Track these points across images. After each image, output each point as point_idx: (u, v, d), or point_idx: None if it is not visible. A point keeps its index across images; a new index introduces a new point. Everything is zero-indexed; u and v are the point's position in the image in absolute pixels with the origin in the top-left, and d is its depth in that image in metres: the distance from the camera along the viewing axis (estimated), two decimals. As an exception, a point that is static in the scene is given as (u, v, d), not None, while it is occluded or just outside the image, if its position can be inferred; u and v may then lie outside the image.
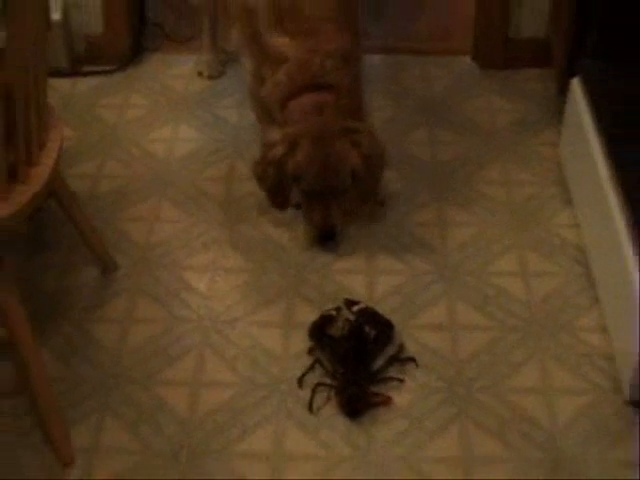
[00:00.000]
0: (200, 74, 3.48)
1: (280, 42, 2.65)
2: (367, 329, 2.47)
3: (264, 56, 2.72)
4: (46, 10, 2.26)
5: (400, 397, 2.35)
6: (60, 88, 3.35)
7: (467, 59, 3.50)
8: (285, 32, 2.65)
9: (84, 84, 3.42)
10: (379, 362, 2.42)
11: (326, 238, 2.74)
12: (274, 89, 2.69)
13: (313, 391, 2.34)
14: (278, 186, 2.71)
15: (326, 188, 2.66)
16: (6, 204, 2.01)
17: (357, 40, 2.78)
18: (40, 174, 2.11)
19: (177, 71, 3.48)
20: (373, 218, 2.85)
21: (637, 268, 2.24)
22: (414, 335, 2.50)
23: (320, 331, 2.48)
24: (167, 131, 3.21)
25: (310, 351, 2.46)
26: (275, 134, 2.68)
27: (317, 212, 2.70)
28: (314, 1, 2.67)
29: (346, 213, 2.77)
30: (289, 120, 2.67)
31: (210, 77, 3.47)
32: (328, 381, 2.37)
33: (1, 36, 1.98)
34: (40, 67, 2.12)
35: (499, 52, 3.42)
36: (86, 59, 3.46)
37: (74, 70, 3.45)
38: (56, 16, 3.30)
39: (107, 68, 3.46)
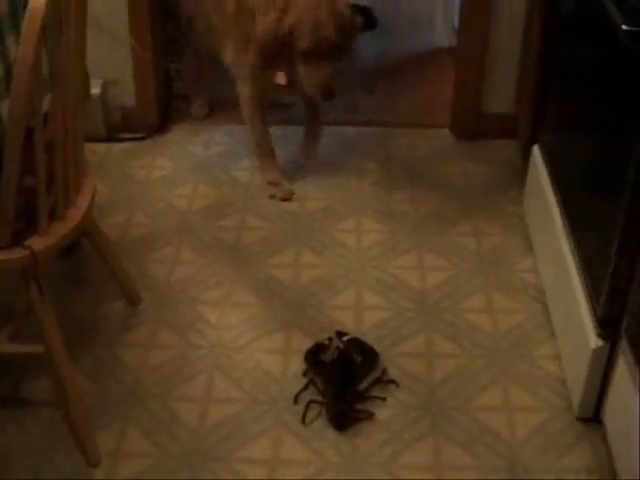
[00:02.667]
0: (190, 115, 3.61)
1: None
2: (354, 355, 2.49)
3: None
4: (85, 81, 2.33)
5: (382, 413, 2.36)
6: (98, 151, 3.39)
7: (445, 131, 3.54)
8: None
9: (118, 148, 3.46)
10: (364, 383, 2.43)
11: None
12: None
13: (306, 407, 2.36)
14: (278, 50, 2.87)
15: (319, 44, 2.80)
16: (46, 238, 2.05)
17: None
18: (76, 214, 2.16)
19: (197, 139, 3.52)
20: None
21: (586, 310, 2.26)
22: (396, 361, 2.51)
23: (314, 356, 2.50)
24: (187, 188, 3.25)
25: (305, 373, 2.47)
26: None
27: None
28: None
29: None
30: None
31: (195, 118, 3.61)
32: (320, 399, 2.38)
33: (47, 99, 2.06)
34: (78, 126, 2.17)
35: (473, 125, 3.47)
36: (120, 128, 3.51)
37: (110, 137, 3.49)
38: (96, 91, 3.36)
39: (138, 135, 3.51)
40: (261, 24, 2.87)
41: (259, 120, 3.17)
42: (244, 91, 3.13)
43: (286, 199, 3.15)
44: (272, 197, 3.15)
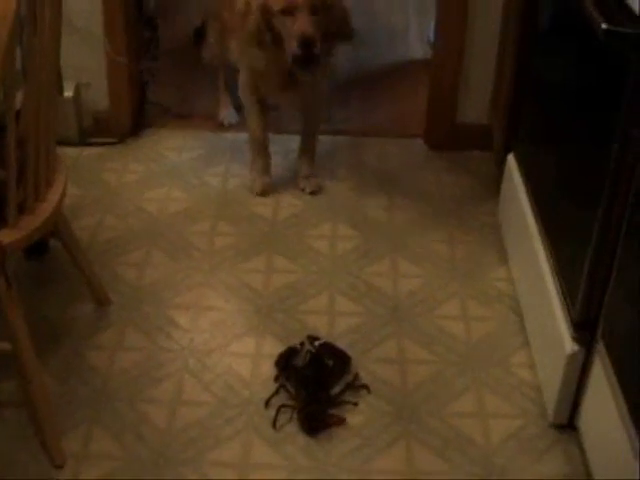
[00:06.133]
0: (222, 124, 3.59)
1: None
2: (326, 360, 2.44)
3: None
4: (58, 76, 2.29)
5: (354, 418, 2.32)
6: (70, 155, 3.33)
7: (420, 141, 3.50)
8: None
9: (90, 152, 3.41)
10: (336, 388, 2.38)
11: (307, 58, 2.76)
12: None
13: (277, 411, 2.31)
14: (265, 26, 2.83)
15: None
16: (15, 231, 2.01)
17: None
18: (46, 208, 2.12)
19: (171, 144, 3.48)
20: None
21: (561, 315, 2.24)
22: (368, 367, 2.47)
23: (285, 361, 2.45)
24: (160, 192, 3.20)
25: (276, 378, 2.42)
26: None
27: (293, 27, 2.73)
28: None
29: (323, 40, 2.80)
30: None
31: (230, 124, 3.59)
32: (291, 403, 2.33)
33: (19, 97, 2.02)
34: (51, 122, 2.13)
35: (447, 135, 3.44)
36: (93, 132, 3.46)
37: (82, 141, 3.43)
38: (68, 94, 3.32)
39: (111, 140, 3.46)
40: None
41: (255, 112, 3.20)
42: (243, 78, 3.17)
43: (263, 194, 3.19)
44: (251, 190, 3.21)
